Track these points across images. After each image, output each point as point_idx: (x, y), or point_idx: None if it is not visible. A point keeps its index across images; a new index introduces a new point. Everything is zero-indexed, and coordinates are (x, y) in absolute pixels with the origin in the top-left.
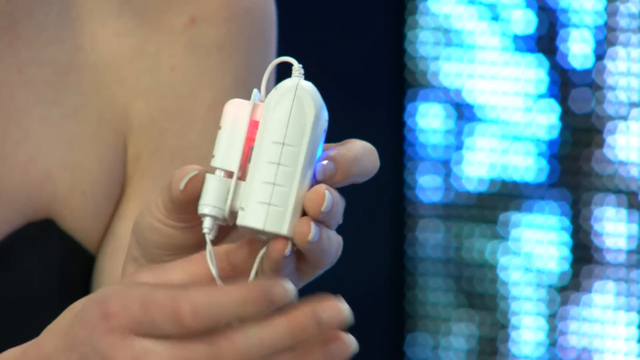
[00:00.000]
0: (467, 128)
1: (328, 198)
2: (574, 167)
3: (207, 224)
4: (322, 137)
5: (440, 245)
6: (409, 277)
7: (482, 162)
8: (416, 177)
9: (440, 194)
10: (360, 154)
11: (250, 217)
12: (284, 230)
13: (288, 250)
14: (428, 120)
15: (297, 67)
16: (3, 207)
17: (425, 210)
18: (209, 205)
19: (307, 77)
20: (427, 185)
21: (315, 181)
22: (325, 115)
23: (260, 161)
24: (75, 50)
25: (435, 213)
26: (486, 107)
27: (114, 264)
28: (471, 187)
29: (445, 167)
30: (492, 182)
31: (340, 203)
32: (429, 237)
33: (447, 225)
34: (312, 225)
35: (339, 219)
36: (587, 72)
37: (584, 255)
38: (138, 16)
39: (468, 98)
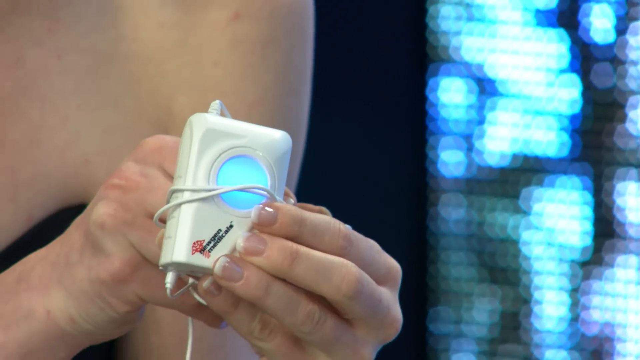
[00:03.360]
0: (489, 103)
1: (219, 264)
2: (596, 141)
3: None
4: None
5: (463, 220)
6: (431, 252)
7: (504, 137)
8: (438, 152)
9: (462, 169)
10: (320, 226)
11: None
12: (174, 256)
13: (206, 283)
14: (450, 95)
15: (213, 104)
16: (39, 191)
17: (447, 185)
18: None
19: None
20: (449, 160)
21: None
22: (239, 142)
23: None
24: (116, 40)
25: (457, 188)
26: (508, 82)
27: None
28: (493, 161)
29: (467, 141)
30: (514, 156)
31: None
32: (451, 212)
33: (469, 199)
34: (222, 258)
35: (299, 276)
36: (608, 46)
37: (606, 229)
38: (180, 9)
39: (490, 73)
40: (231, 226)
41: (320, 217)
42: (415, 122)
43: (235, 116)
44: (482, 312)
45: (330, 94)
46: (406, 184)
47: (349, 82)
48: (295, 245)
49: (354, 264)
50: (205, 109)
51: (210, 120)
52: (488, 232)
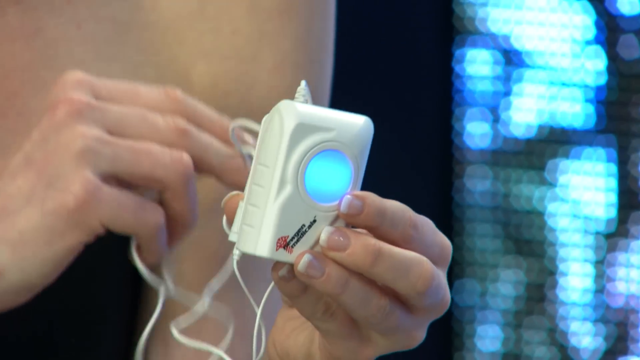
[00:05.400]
0: (515, 74)
1: (302, 262)
2: (623, 113)
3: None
4: (334, 160)
5: (488, 192)
6: (456, 224)
7: (530, 109)
8: (464, 124)
9: (488, 141)
10: (397, 216)
11: (237, 239)
12: (258, 250)
13: (282, 272)
14: (476, 66)
15: (299, 89)
16: None
17: (473, 156)
18: (233, 232)
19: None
20: (475, 132)
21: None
22: (328, 136)
23: (248, 183)
24: (135, 9)
25: (483, 159)
26: (534, 53)
27: None
28: (519, 133)
29: (493, 113)
30: (540, 128)
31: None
32: (477, 184)
33: (495, 171)
34: (306, 256)
35: (383, 274)
36: (635, 18)
37: (632, 201)
38: None
39: (516, 44)
40: (314, 221)
41: (396, 207)
42: (441, 94)
43: (256, 83)
44: (507, 284)
45: (356, 65)
46: (432, 155)
47: (375, 54)
48: (377, 243)
49: (428, 261)
50: (223, 76)
51: (300, 113)
52: (513, 204)
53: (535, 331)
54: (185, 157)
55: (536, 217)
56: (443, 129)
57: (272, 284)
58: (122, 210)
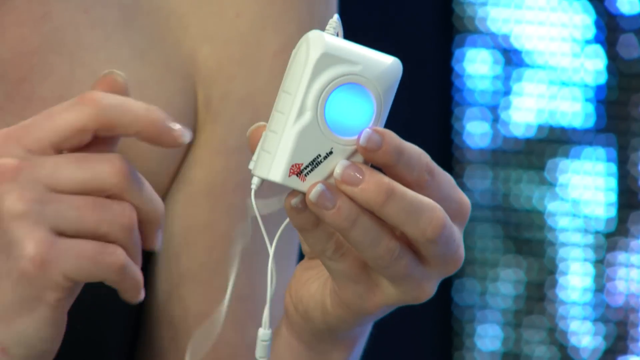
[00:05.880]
0: (515, 74)
1: (314, 191)
2: (622, 112)
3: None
4: (358, 94)
5: (488, 191)
6: None
7: (530, 108)
8: (464, 123)
9: (487, 140)
10: (413, 158)
11: (253, 163)
12: (271, 174)
13: (294, 201)
14: (476, 66)
15: (331, 22)
16: None
17: (472, 156)
18: (253, 160)
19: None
20: (474, 131)
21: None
22: (353, 70)
23: (273, 111)
24: None
25: (482, 159)
26: (534, 53)
27: (189, 209)
28: (519, 133)
29: (493, 113)
30: (540, 127)
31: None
32: (477, 183)
33: (495, 171)
34: (319, 185)
35: (391, 213)
36: (635, 17)
37: (632, 201)
38: None
39: (516, 43)
40: (331, 152)
41: (414, 149)
42: (441, 93)
43: (260, 66)
44: (507, 283)
45: None
46: (432, 155)
47: None
48: (391, 183)
49: (442, 209)
50: (227, 60)
51: (327, 43)
52: (513, 204)
53: (535, 330)
54: (128, 210)
55: (536, 216)
56: (443, 129)
57: (286, 220)
58: (81, 260)
